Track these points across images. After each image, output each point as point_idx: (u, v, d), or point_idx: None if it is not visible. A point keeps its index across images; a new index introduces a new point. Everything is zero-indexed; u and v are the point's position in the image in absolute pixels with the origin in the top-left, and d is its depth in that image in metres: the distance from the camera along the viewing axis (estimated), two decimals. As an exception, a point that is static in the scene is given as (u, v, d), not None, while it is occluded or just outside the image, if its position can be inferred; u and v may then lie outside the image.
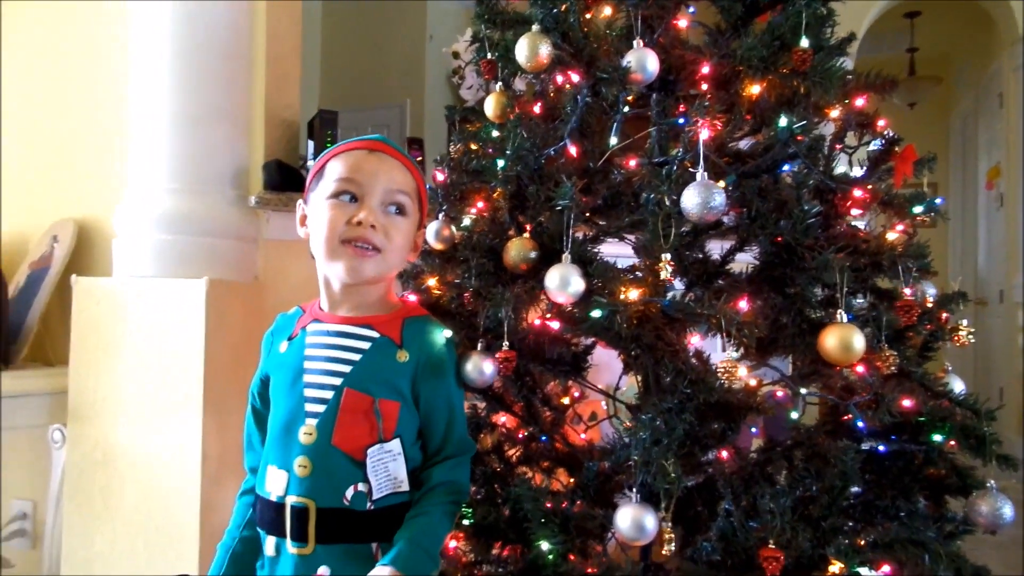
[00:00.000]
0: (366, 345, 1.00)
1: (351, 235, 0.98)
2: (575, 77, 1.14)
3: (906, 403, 1.02)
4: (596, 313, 0.99)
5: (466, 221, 1.20)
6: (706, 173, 0.97)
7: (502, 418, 1.30)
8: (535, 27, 1.13)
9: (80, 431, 1.85)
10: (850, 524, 1.06)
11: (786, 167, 1.10)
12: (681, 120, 1.09)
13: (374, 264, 1.00)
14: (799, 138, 1.05)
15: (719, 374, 0.98)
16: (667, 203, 1.00)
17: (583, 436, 1.35)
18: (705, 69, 1.12)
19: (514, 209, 1.14)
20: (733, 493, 1.03)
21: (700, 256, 1.17)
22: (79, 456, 1.85)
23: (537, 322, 1.10)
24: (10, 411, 1.80)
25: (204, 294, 1.73)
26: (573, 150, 1.15)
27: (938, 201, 1.17)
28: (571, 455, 1.25)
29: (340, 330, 1.01)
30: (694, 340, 1.03)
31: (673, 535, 0.97)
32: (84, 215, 2.10)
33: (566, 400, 1.40)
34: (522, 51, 1.12)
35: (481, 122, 1.28)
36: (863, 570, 0.95)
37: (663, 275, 0.99)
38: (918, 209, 1.16)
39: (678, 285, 1.11)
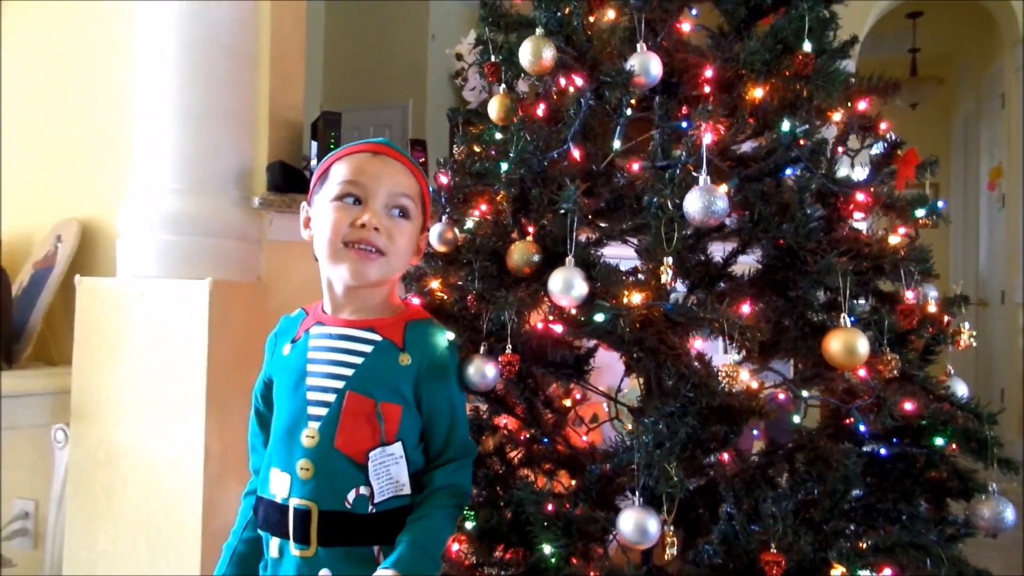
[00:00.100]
0: (368, 348, 1.00)
1: (355, 237, 0.98)
2: (578, 80, 1.14)
3: (908, 406, 1.02)
4: (599, 317, 0.99)
5: (469, 224, 1.21)
6: (709, 177, 0.97)
7: (504, 420, 1.31)
8: (539, 30, 1.13)
9: (83, 430, 1.85)
10: (851, 527, 1.07)
11: (789, 171, 1.10)
12: (684, 124, 1.10)
13: (377, 267, 1.00)
14: (802, 142, 1.05)
15: (721, 378, 0.98)
16: (670, 207, 1.00)
17: (585, 438, 1.35)
18: (708, 72, 1.12)
19: (517, 212, 1.14)
20: (735, 496, 1.03)
21: (702, 258, 1.17)
22: (82, 455, 1.85)
23: (540, 325, 1.10)
24: (13, 411, 1.81)
25: (207, 295, 1.73)
26: (576, 153, 1.15)
27: (940, 204, 1.18)
28: (573, 457, 1.26)
29: (343, 333, 1.01)
30: (696, 344, 1.03)
31: (675, 538, 0.97)
32: (88, 215, 2.10)
33: (568, 402, 1.40)
34: (526, 54, 1.12)
35: (484, 124, 1.28)
36: (864, 573, 0.96)
37: (664, 278, 0.99)
38: (920, 212, 1.16)
39: (680, 287, 1.11)
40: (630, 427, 1.17)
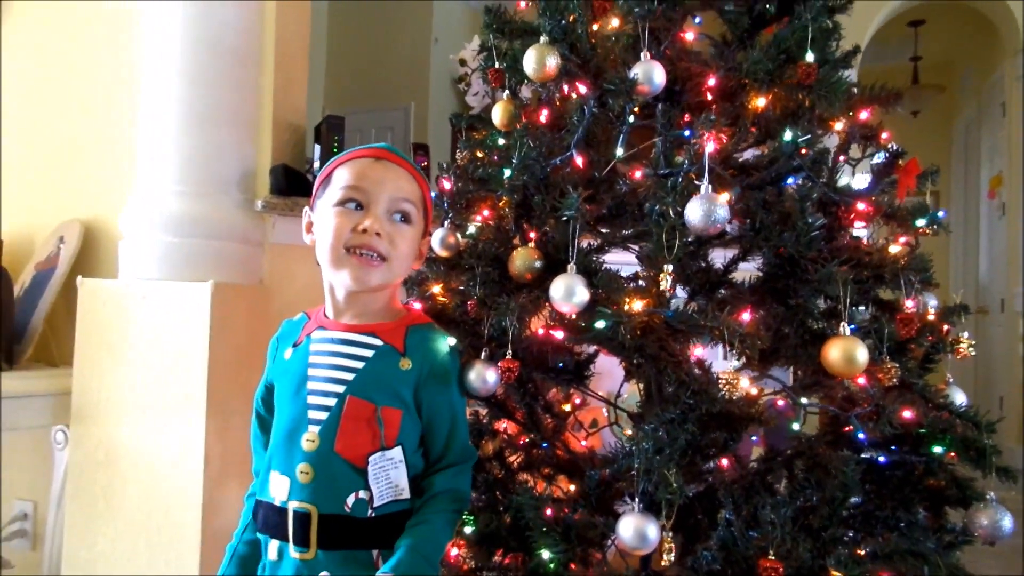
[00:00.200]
0: (369, 353, 1.00)
1: (356, 243, 0.99)
2: (582, 88, 1.15)
3: (907, 414, 1.02)
4: (600, 323, 1.00)
5: (471, 229, 1.21)
6: (710, 185, 0.98)
7: (504, 425, 1.31)
8: (543, 38, 1.14)
9: (83, 432, 1.85)
10: (850, 534, 1.07)
11: (790, 179, 1.11)
12: (687, 132, 1.10)
13: (379, 272, 1.00)
14: (803, 151, 1.05)
15: (721, 385, 0.99)
16: (671, 214, 1.01)
17: (584, 443, 1.36)
18: (711, 81, 1.13)
19: (519, 218, 1.15)
20: (734, 502, 1.04)
21: (703, 265, 1.18)
22: (82, 456, 1.85)
23: (541, 331, 1.10)
24: (13, 411, 1.81)
25: (209, 297, 1.73)
26: (579, 160, 1.16)
27: (941, 214, 1.18)
28: (572, 462, 1.26)
29: (344, 338, 1.02)
30: (697, 351, 1.04)
31: (673, 544, 0.97)
32: (90, 216, 2.11)
33: (567, 407, 1.41)
34: (530, 62, 1.12)
35: (487, 130, 1.29)
36: (862, 581, 0.96)
37: (663, 285, 0.99)
38: (921, 222, 1.17)
39: (681, 294, 1.12)
40: (630, 433, 1.18)
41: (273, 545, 0.99)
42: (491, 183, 1.20)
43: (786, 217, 1.05)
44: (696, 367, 1.04)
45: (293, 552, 0.96)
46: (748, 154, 1.18)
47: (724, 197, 1.00)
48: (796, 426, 1.12)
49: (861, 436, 1.06)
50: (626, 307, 1.00)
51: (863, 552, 1.02)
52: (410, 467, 0.99)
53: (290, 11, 2.09)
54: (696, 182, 1.00)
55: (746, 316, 1.01)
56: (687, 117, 1.15)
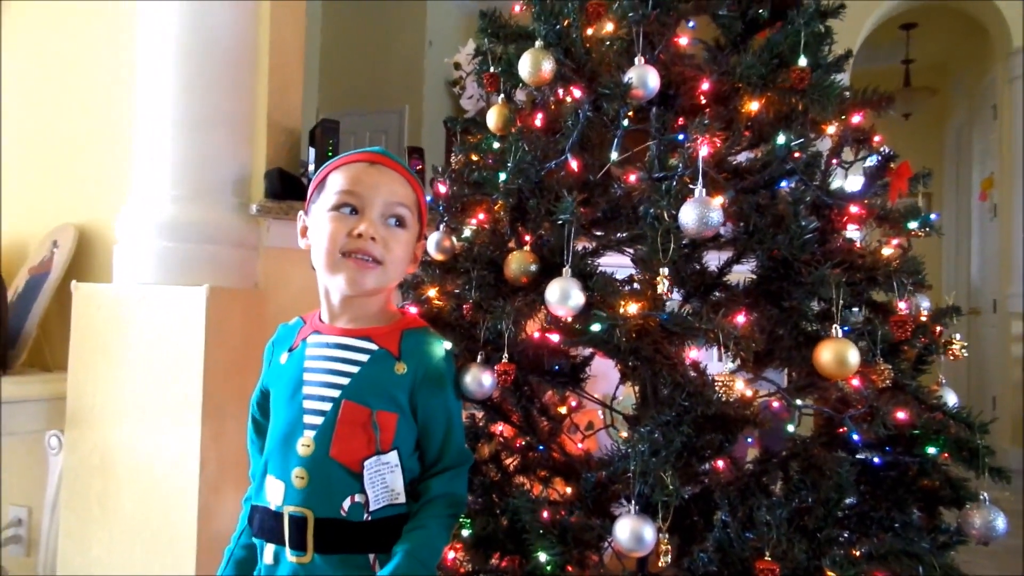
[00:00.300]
0: (364, 357, 1.00)
1: (352, 247, 0.99)
2: (577, 92, 1.15)
3: (900, 416, 1.03)
4: (596, 326, 1.00)
5: (467, 232, 1.21)
6: (704, 189, 0.98)
7: (500, 428, 1.31)
8: (538, 43, 1.14)
9: (78, 436, 1.85)
10: (845, 535, 1.07)
11: (783, 183, 1.12)
12: (681, 136, 1.11)
13: (375, 276, 1.01)
14: (796, 154, 1.06)
15: (716, 387, 0.99)
16: (666, 218, 1.01)
17: (580, 446, 1.36)
18: (705, 85, 1.14)
19: (515, 221, 1.15)
20: (729, 504, 1.04)
21: (697, 268, 1.18)
22: (76, 461, 1.85)
23: (536, 334, 1.11)
24: (7, 417, 1.80)
25: (204, 301, 1.73)
26: (574, 164, 1.16)
27: (933, 217, 1.19)
28: (568, 465, 1.26)
29: (339, 342, 1.02)
30: (692, 353, 1.04)
31: (670, 546, 0.98)
32: (84, 220, 2.10)
33: (563, 410, 1.41)
34: (525, 66, 1.13)
35: (482, 134, 1.29)
36: (857, 581, 0.97)
37: (660, 289, 1.00)
38: (913, 224, 1.18)
39: (675, 297, 1.12)
40: (625, 435, 1.18)
41: (269, 549, 0.99)
42: (486, 187, 1.21)
43: (779, 220, 1.06)
44: (691, 369, 1.05)
45: (290, 556, 0.96)
46: (742, 157, 1.18)
47: (718, 200, 1.00)
48: (791, 428, 1.12)
49: (855, 437, 1.06)
50: (621, 310, 1.01)
51: (858, 552, 1.03)
52: (406, 471, 0.99)
53: (285, 15, 2.09)
54: (690, 185, 1.01)
55: (740, 318, 1.02)
56: (681, 121, 1.15)
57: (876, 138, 1.19)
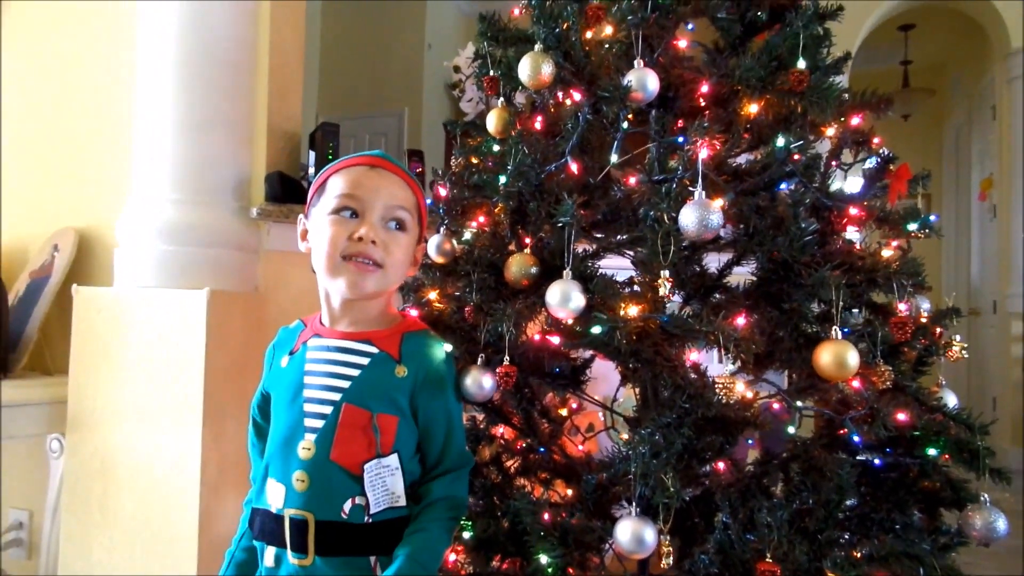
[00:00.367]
0: (365, 361, 1.01)
1: (352, 251, 0.99)
2: (576, 95, 1.15)
3: (901, 417, 1.03)
4: (596, 329, 1.00)
5: (467, 235, 1.22)
6: (704, 191, 0.98)
7: (500, 430, 1.31)
8: (537, 46, 1.14)
9: (79, 440, 1.85)
10: (846, 537, 1.07)
11: (783, 185, 1.12)
12: (680, 138, 1.11)
13: (375, 280, 1.01)
14: (796, 156, 1.06)
15: (717, 389, 0.99)
16: (666, 220, 1.01)
17: (581, 448, 1.36)
18: (704, 88, 1.14)
19: (515, 224, 1.15)
20: (730, 506, 1.04)
21: (698, 269, 1.19)
22: (77, 464, 1.85)
23: (537, 337, 1.11)
24: (8, 420, 1.80)
25: (205, 304, 1.73)
26: (574, 167, 1.16)
27: (932, 218, 1.19)
28: (569, 467, 1.26)
29: (340, 345, 1.02)
30: (692, 355, 1.04)
31: (671, 548, 0.98)
32: (85, 224, 2.11)
33: (564, 412, 1.41)
34: (524, 69, 1.13)
35: (482, 137, 1.29)
36: (858, 583, 0.97)
37: (660, 291, 1.00)
38: (913, 226, 1.18)
39: (675, 298, 1.12)
40: (626, 437, 1.18)
41: (270, 552, 0.99)
42: (486, 189, 1.21)
43: (779, 222, 1.06)
44: (692, 371, 1.05)
45: (292, 559, 0.96)
46: (741, 160, 1.19)
47: (718, 202, 1.00)
48: (791, 429, 1.12)
49: (856, 439, 1.06)
50: (622, 312, 1.01)
51: (859, 554, 1.03)
52: (407, 474, 0.99)
53: (285, 18, 2.09)
54: (690, 188, 1.01)
55: (741, 320, 1.02)
56: (680, 123, 1.15)
57: (875, 140, 1.19)
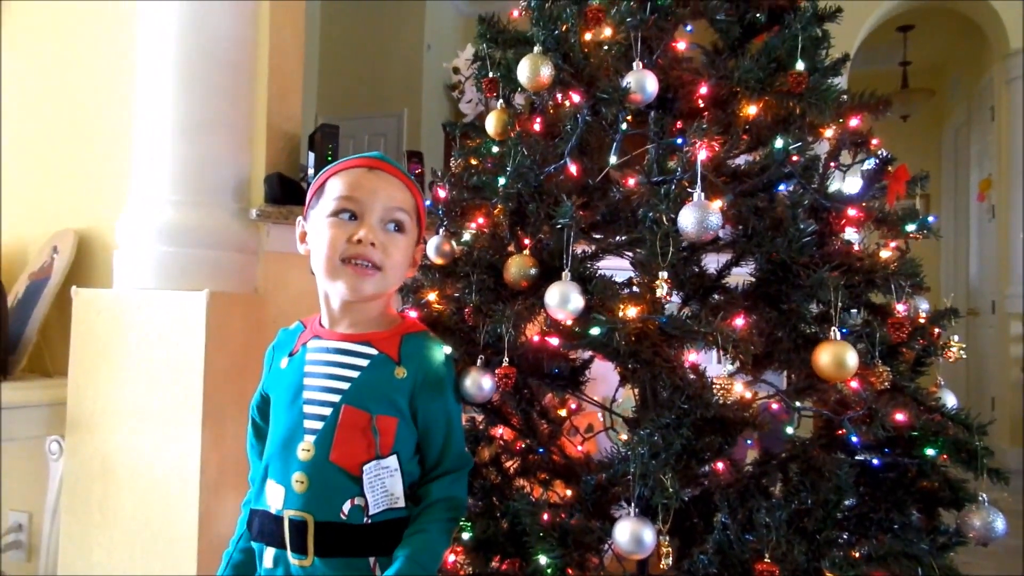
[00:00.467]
0: (364, 362, 1.01)
1: (351, 253, 1.00)
2: (575, 96, 1.16)
3: (899, 417, 1.03)
4: (595, 330, 1.00)
5: (466, 236, 1.22)
6: (703, 192, 0.99)
7: (500, 431, 1.32)
8: (537, 48, 1.14)
9: (78, 442, 1.85)
10: (844, 537, 1.08)
11: (782, 186, 1.12)
12: (679, 139, 1.11)
13: (374, 282, 1.01)
14: (794, 158, 1.07)
15: (715, 389, 0.99)
16: (665, 221, 1.02)
17: (580, 448, 1.36)
18: (703, 89, 1.14)
19: (514, 225, 1.15)
20: (729, 506, 1.04)
21: (696, 270, 1.19)
22: (77, 466, 1.85)
23: (536, 338, 1.11)
24: (8, 422, 1.80)
25: (205, 306, 1.73)
26: (573, 168, 1.17)
27: (931, 219, 1.19)
28: (568, 467, 1.26)
29: (339, 347, 1.02)
30: (691, 356, 1.05)
31: (670, 548, 0.98)
32: (84, 226, 2.11)
33: (563, 413, 1.41)
34: (524, 71, 1.13)
35: (481, 138, 1.29)
36: (857, 583, 0.97)
37: (659, 292, 1.00)
38: (911, 227, 1.18)
39: (674, 299, 1.13)
40: (625, 437, 1.19)
41: (269, 553, 0.99)
42: (485, 191, 1.21)
43: (778, 223, 1.06)
44: (690, 372, 1.05)
45: (291, 559, 0.96)
46: (740, 161, 1.19)
47: (717, 204, 1.01)
48: (790, 430, 1.13)
49: (854, 439, 1.07)
50: (620, 313, 1.01)
51: (857, 554, 1.03)
52: (406, 475, 0.99)
53: (284, 19, 2.09)
54: (689, 189, 1.01)
55: (739, 321, 1.02)
56: (679, 125, 1.16)
57: (874, 141, 1.20)
